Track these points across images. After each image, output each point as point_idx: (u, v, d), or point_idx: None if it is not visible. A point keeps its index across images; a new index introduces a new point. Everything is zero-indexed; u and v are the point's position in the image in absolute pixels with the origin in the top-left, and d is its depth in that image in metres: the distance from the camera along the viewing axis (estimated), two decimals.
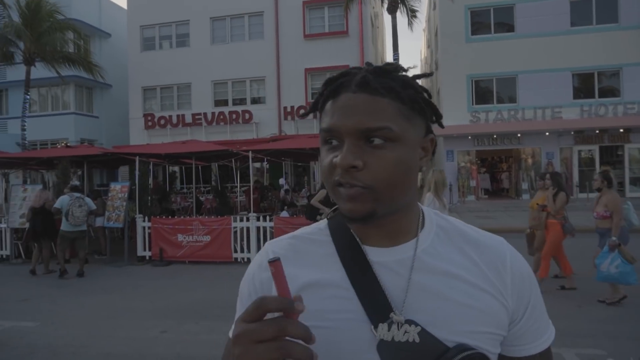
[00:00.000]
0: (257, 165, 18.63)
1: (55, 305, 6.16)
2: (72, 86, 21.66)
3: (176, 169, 18.58)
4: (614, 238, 5.14)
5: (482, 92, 18.59)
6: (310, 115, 18.64)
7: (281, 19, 19.47)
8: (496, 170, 22.68)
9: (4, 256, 9.76)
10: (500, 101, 18.38)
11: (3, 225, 9.75)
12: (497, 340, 0.75)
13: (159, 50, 20.98)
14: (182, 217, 10.05)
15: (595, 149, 17.95)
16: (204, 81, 20.18)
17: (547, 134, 17.60)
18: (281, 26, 19.49)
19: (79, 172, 13.66)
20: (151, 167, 10.95)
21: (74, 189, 8.33)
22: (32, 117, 18.73)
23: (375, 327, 0.70)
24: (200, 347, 4.39)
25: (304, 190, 15.90)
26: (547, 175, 6.46)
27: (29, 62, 15.94)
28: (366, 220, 0.71)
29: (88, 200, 8.24)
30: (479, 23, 18.67)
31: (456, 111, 18.27)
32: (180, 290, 6.81)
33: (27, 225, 8.99)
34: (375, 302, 0.71)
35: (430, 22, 27.95)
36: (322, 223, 0.83)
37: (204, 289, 6.77)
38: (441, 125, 0.84)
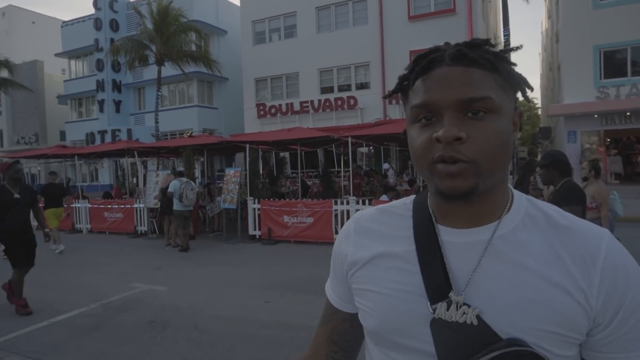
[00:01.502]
0: (365, 150, 18.86)
1: (181, 273, 7.12)
2: (195, 81, 24.00)
3: (286, 154, 19.64)
4: None
5: (612, 65, 16.42)
6: None
7: (385, 2, 19.25)
8: (631, 152, 20.00)
9: (143, 231, 11.40)
10: (636, 74, 16.09)
11: (141, 205, 11.37)
12: (566, 342, 0.68)
13: (269, 43, 22.16)
14: (289, 199, 10.72)
15: None
16: (311, 70, 20.89)
17: None
18: (385, 9, 19.29)
19: (201, 159, 15.23)
20: (259, 153, 11.78)
21: (180, 174, 9.51)
22: (163, 111, 21.24)
23: (433, 304, 0.71)
24: (298, 317, 4.79)
25: (405, 174, 15.76)
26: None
27: (159, 62, 18.07)
28: (468, 197, 0.69)
29: (193, 184, 9.35)
30: None
31: (580, 87, 16.45)
32: (284, 266, 7.38)
33: (159, 205, 10.39)
34: (436, 280, 0.72)
35: None
36: (410, 198, 0.86)
37: (306, 266, 7.25)
38: (528, 100, 0.82)
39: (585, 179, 5.37)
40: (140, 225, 11.47)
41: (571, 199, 3.36)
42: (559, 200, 3.40)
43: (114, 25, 25.66)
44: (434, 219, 0.77)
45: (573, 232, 0.71)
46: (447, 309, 0.69)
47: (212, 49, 23.70)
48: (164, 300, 5.58)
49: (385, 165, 16.95)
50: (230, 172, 10.19)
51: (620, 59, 16.38)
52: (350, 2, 20.18)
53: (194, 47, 19.95)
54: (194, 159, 12.77)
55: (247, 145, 10.47)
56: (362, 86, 20.14)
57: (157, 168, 16.50)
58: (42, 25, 41.24)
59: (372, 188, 13.38)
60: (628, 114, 16.06)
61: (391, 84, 19.16)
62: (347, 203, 9.08)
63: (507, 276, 0.69)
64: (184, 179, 9.21)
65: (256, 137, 12.34)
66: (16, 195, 5.26)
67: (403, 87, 0.77)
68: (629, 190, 15.70)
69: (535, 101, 54.07)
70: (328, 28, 20.75)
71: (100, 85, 25.92)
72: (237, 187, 9.76)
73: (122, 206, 11.79)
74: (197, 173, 16.29)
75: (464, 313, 0.68)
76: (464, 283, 0.71)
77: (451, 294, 0.70)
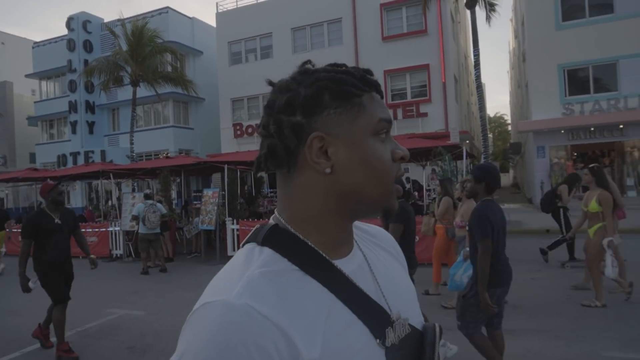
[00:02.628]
0: None
1: (159, 297, 7.00)
2: (171, 102, 23.88)
3: (263, 174, 19.63)
4: (467, 248, 5.15)
5: (576, 82, 17.22)
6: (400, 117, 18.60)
7: (359, 24, 19.76)
8: None
9: (118, 255, 11.17)
10: (598, 90, 16.90)
11: (117, 228, 11.16)
12: None
13: (245, 63, 22.35)
14: (268, 219, 10.71)
15: None
16: None
17: None
18: (359, 30, 19.78)
19: (177, 180, 15.08)
20: (238, 173, 11.78)
21: (147, 196, 9.47)
22: (138, 132, 21.01)
23: (379, 337, 0.66)
24: None
25: None
26: (437, 182, 6.72)
27: (135, 83, 17.95)
28: None
29: (159, 206, 9.34)
30: (573, 6, 17.30)
31: (547, 104, 17.16)
32: None
33: (135, 228, 10.23)
34: (372, 314, 0.68)
35: (516, 11, 26.44)
36: (262, 251, 0.67)
37: None
38: None
39: (459, 199, 5.80)
40: (116, 249, 11.23)
41: (396, 217, 3.89)
42: (473, 218, 3.81)
43: (88, 46, 25.41)
44: (326, 257, 0.69)
45: (377, 234, 0.85)
46: (394, 332, 0.68)
47: (187, 70, 23.72)
48: (143, 325, 5.49)
49: None
50: (208, 192, 10.14)
51: (583, 77, 17.19)
52: (325, 23, 20.61)
53: (169, 68, 19.93)
54: (170, 180, 12.65)
55: (226, 166, 10.46)
56: None
57: (132, 190, 16.26)
58: (12, 46, 40.43)
59: None
60: (592, 129, 16.79)
61: None
62: None
63: (393, 280, 0.76)
64: (149, 202, 9.17)
65: (234, 157, 12.34)
66: (57, 221, 4.66)
67: (351, 94, 0.68)
68: None
69: (505, 117, 55.77)
70: (304, 48, 21.08)
71: (73, 107, 25.49)
72: (216, 208, 9.72)
73: (97, 229, 11.54)
74: (174, 194, 16.11)
75: (402, 325, 0.70)
76: (383, 301, 0.70)
77: (392, 315, 0.69)
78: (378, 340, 0.65)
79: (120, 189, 18.12)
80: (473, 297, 3.28)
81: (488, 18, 14.95)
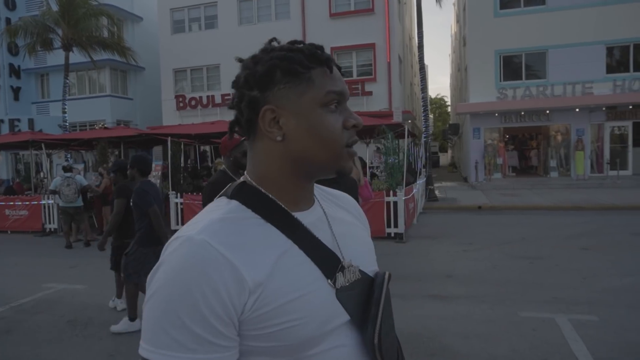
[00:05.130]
0: None
1: (99, 271, 6.81)
2: (108, 69, 22.54)
3: (207, 148, 19.22)
4: None
5: (510, 68, 18.27)
6: None
7: None
8: (525, 148, 22.36)
9: (52, 229, 10.65)
10: (529, 77, 18.04)
11: (50, 202, 10.60)
12: None
13: (189, 33, 21.48)
14: None
15: (628, 125, 17.47)
16: (233, 62, 20.06)
17: (577, 110, 17.23)
18: (307, 5, 19.58)
19: (116, 152, 14.45)
20: (182, 146, 11.52)
21: (65, 169, 9.24)
22: (71, 100, 19.72)
23: (331, 279, 0.76)
24: None
25: None
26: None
27: (67, 47, 16.72)
28: None
29: (79, 178, 9.14)
30: None
31: (483, 88, 18.08)
32: None
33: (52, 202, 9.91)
34: (325, 258, 0.77)
35: None
36: (229, 203, 0.78)
37: None
38: None
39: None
40: (49, 223, 10.70)
41: (118, 193, 4.80)
42: (136, 196, 4.36)
43: (10, 3, 23.23)
44: (287, 209, 0.78)
45: (341, 197, 0.96)
46: (344, 276, 0.78)
47: (126, 36, 22.35)
48: (85, 299, 5.38)
49: None
50: None
51: (516, 63, 18.25)
52: None
53: (106, 33, 18.72)
54: (108, 152, 12.14)
55: (169, 139, 10.20)
56: None
57: (66, 161, 15.39)
58: None
59: None
60: (522, 113, 17.97)
61: None
62: None
63: (351, 233, 0.87)
64: (68, 174, 8.93)
65: (177, 130, 12.02)
66: None
67: (298, 69, 0.76)
68: (523, 182, 17.61)
69: (446, 99, 57.92)
70: (250, 20, 20.58)
71: None
72: (159, 181, 9.50)
73: (27, 202, 10.90)
74: None
75: (353, 272, 0.80)
76: (337, 250, 0.81)
77: (342, 262, 0.79)
78: (329, 281, 0.76)
79: (51, 161, 17.06)
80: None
81: (438, 0, 15.32)
